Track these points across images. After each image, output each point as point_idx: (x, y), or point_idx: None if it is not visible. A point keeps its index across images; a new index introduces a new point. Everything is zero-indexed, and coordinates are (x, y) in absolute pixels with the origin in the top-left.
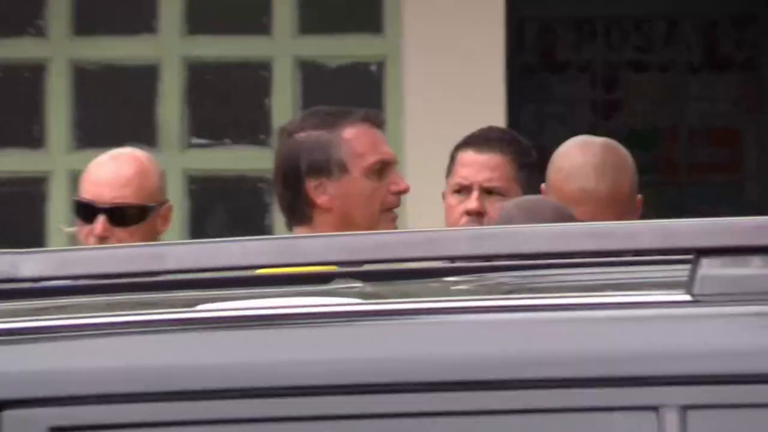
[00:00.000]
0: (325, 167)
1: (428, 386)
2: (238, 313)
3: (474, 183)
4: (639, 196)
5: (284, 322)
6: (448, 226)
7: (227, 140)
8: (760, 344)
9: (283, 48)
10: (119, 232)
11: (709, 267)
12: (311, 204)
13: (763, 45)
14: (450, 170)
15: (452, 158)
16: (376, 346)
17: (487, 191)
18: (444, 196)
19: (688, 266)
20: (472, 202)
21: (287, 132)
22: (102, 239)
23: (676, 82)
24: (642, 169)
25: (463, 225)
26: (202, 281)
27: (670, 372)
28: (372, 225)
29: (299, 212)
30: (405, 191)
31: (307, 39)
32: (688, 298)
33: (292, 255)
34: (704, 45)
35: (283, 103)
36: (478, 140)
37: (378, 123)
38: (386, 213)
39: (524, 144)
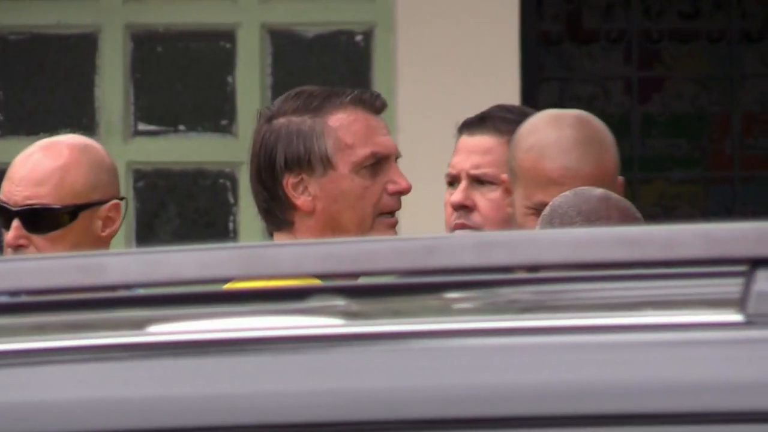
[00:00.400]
0: (306, 161)
1: (424, 425)
2: (192, 338)
3: (461, 171)
4: (620, 178)
5: (249, 347)
6: (446, 224)
7: (181, 126)
8: None
9: (249, 13)
10: (37, 239)
11: (765, 281)
12: (290, 205)
13: None
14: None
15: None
16: (362, 376)
17: (476, 180)
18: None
19: (741, 280)
20: (457, 194)
21: (265, 117)
22: (17, 248)
23: (728, 56)
24: (686, 161)
25: (453, 222)
26: (149, 298)
27: (719, 408)
28: (364, 232)
29: (277, 215)
30: (405, 191)
31: (277, 3)
32: (740, 318)
33: (259, 266)
34: (764, 10)
35: (250, 81)
36: (473, 120)
37: (376, 107)
38: (382, 218)
39: None
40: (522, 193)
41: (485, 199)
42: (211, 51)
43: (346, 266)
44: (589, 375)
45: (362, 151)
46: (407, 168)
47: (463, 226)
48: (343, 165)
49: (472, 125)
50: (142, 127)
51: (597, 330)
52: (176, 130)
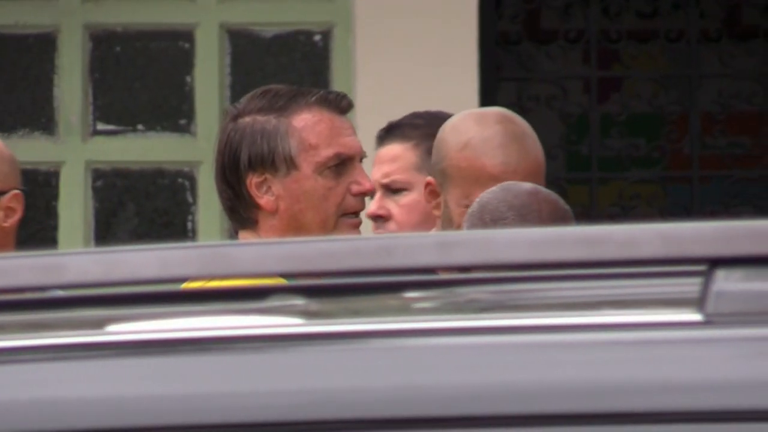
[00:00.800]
0: (270, 161)
1: (384, 424)
2: (152, 337)
3: (375, 182)
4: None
5: (208, 347)
6: None
7: (140, 126)
8: None
9: (208, 13)
10: None
11: (724, 280)
12: (253, 204)
13: None
14: None
15: None
16: (321, 376)
17: (388, 188)
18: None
19: (699, 279)
20: (371, 205)
21: (231, 115)
22: None
23: (687, 55)
24: (645, 161)
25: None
26: (108, 298)
27: (678, 407)
28: (327, 232)
29: (242, 214)
30: (369, 192)
31: (235, 2)
32: (699, 318)
33: (219, 265)
34: (722, 10)
35: (208, 81)
36: (382, 131)
37: (341, 107)
38: (345, 218)
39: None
40: (458, 192)
41: (398, 206)
42: (170, 51)
43: (306, 266)
44: (548, 375)
45: (326, 152)
46: (366, 167)
47: None
48: (307, 165)
49: (382, 136)
50: (100, 126)
51: (556, 329)
52: (135, 130)
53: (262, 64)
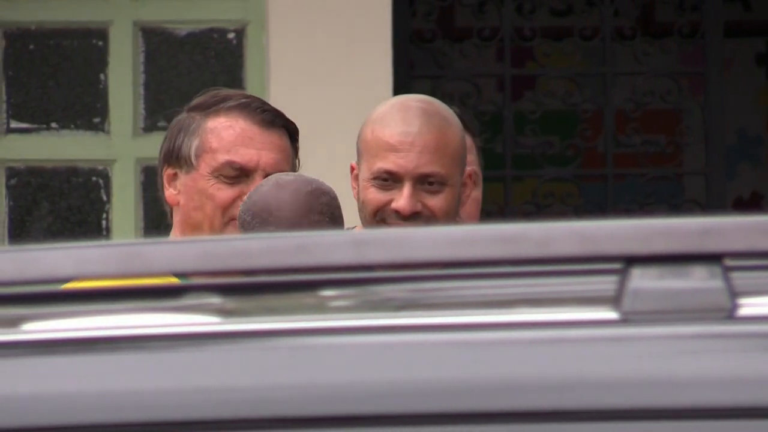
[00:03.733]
0: (176, 156)
1: (298, 423)
2: (66, 335)
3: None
4: (470, 169)
5: (122, 345)
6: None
7: (54, 124)
8: (700, 372)
9: (121, 11)
10: None
11: (640, 279)
12: (165, 197)
13: (710, 8)
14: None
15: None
16: (235, 374)
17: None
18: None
19: (615, 277)
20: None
21: (183, 109)
22: None
23: (601, 53)
24: (559, 159)
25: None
26: (22, 296)
27: (593, 405)
28: (214, 233)
29: (164, 206)
30: None
31: (149, 0)
32: (615, 316)
33: (134, 264)
34: (637, 7)
35: (122, 78)
36: None
37: (264, 120)
38: (233, 223)
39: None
40: (364, 167)
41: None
42: (84, 49)
43: (221, 264)
44: (464, 373)
45: (222, 157)
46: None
47: None
48: (204, 166)
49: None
50: (14, 124)
51: (472, 328)
52: (49, 128)
53: (176, 62)
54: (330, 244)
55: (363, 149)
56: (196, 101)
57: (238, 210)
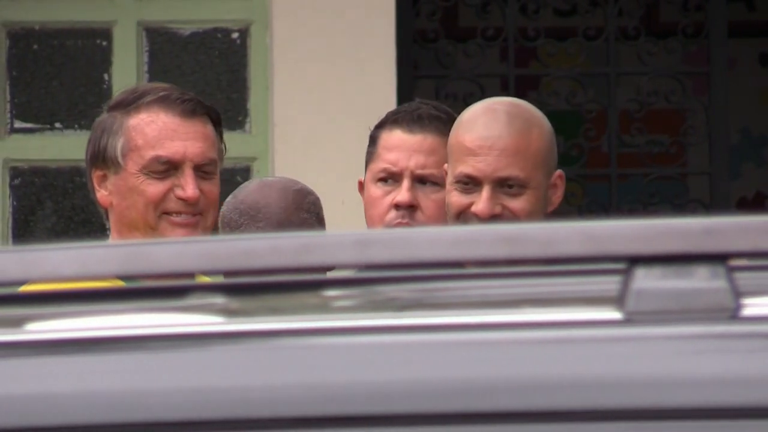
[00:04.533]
0: (103, 157)
1: (302, 423)
2: (71, 335)
3: (405, 170)
4: (558, 172)
5: (128, 345)
6: (372, 221)
7: (58, 124)
8: (704, 372)
9: (125, 11)
10: None
11: (644, 279)
12: (96, 199)
13: (714, 8)
14: (370, 154)
15: (373, 140)
16: (240, 374)
17: (420, 180)
18: (361, 185)
19: (619, 277)
20: (404, 194)
21: (105, 109)
22: None
23: (605, 53)
24: (563, 159)
25: (391, 220)
26: (27, 296)
27: (597, 406)
28: (150, 229)
29: (98, 208)
30: (188, 200)
31: (153, 0)
32: (619, 316)
33: (138, 264)
34: (640, 7)
35: (126, 79)
36: (407, 117)
37: (184, 110)
38: (167, 216)
39: None
40: (450, 170)
41: (429, 200)
42: (88, 49)
43: (224, 264)
44: (468, 373)
45: (148, 154)
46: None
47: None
48: (132, 164)
49: (408, 122)
50: (18, 124)
51: (476, 328)
52: (53, 128)
53: (179, 62)
54: (333, 243)
55: (449, 152)
56: (115, 100)
57: (170, 204)
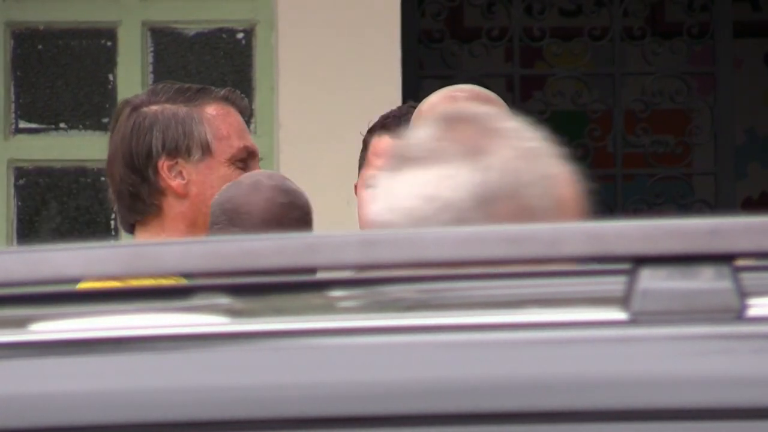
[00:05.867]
0: (183, 145)
1: (308, 423)
2: (76, 336)
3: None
4: None
5: (133, 345)
6: (363, 225)
7: (62, 124)
8: (709, 372)
9: (130, 11)
10: None
11: (649, 279)
12: (162, 189)
13: (719, 8)
14: (363, 159)
15: (365, 145)
16: (245, 374)
17: None
18: (356, 189)
19: (625, 278)
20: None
21: (132, 106)
22: None
23: (610, 54)
24: (569, 159)
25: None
26: (33, 296)
27: (602, 406)
28: None
29: (145, 201)
30: None
31: (158, 0)
32: (624, 316)
33: (143, 264)
34: (646, 7)
35: (131, 78)
36: (395, 122)
37: (241, 108)
38: None
39: None
40: None
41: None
42: (92, 49)
43: (230, 264)
44: (474, 373)
45: (237, 143)
46: (288, 165)
47: None
48: (221, 153)
49: (395, 127)
50: (23, 124)
51: (481, 328)
52: (57, 128)
53: (184, 62)
54: (339, 243)
55: None
56: (158, 96)
57: None
